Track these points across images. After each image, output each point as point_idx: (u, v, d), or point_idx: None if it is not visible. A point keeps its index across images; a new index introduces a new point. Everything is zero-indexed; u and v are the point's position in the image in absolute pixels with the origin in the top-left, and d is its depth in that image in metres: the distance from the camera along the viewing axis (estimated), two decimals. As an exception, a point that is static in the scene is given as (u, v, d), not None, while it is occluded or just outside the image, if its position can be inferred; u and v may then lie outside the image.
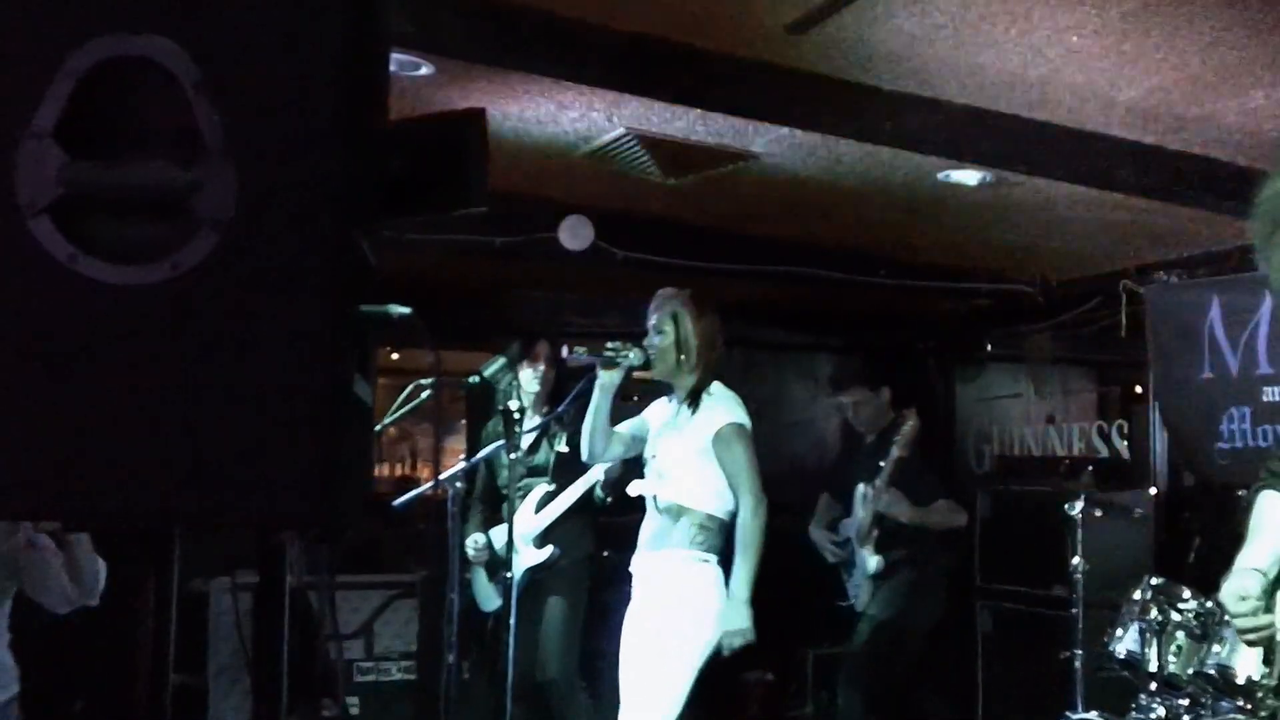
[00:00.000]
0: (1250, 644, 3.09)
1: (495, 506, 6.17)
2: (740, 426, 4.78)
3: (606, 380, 4.90)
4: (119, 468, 2.12)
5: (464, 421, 9.81)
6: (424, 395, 5.01)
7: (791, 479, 8.53)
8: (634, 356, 4.86)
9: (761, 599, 4.73)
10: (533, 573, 5.99)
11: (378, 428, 5.29)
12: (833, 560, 6.50)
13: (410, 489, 6.78)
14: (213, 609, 6.73)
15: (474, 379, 4.89)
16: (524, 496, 6.05)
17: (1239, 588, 3.03)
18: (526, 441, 6.03)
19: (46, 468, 2.12)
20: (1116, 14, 4.33)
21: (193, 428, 2.12)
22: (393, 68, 4.76)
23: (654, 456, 4.89)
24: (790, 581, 7.52)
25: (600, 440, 4.98)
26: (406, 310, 2.76)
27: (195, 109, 2.16)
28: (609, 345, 4.90)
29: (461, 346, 8.20)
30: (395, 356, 9.94)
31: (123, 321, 2.14)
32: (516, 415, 4.76)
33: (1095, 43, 4.57)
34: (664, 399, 5.04)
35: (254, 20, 2.20)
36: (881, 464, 6.13)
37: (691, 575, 4.69)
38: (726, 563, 4.77)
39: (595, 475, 5.55)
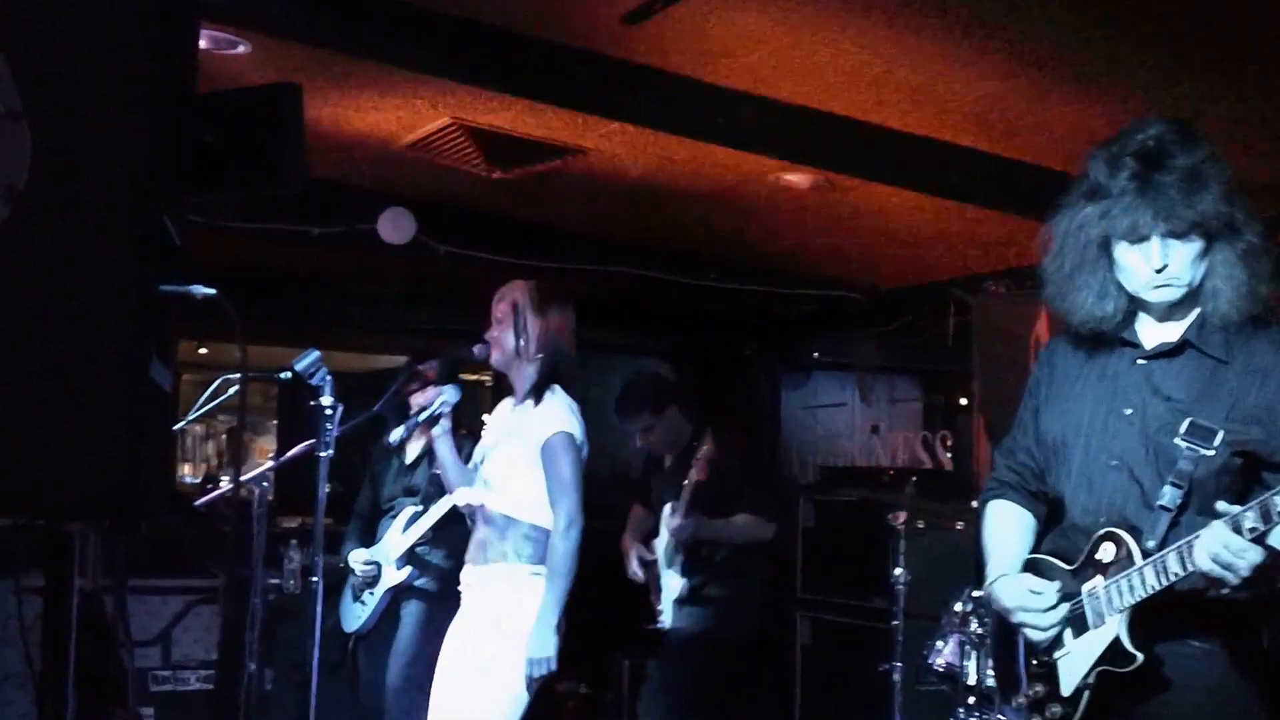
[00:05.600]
0: (1030, 643, 3.04)
1: (374, 522, 6.06)
2: (569, 436, 4.46)
3: (439, 431, 4.76)
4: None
5: (274, 420, 9.54)
6: (231, 391, 4.73)
7: (615, 482, 8.40)
8: (448, 395, 4.75)
9: (576, 607, 4.52)
10: (394, 593, 5.82)
11: (182, 423, 5.02)
12: (635, 578, 6.31)
13: (215, 490, 6.48)
14: (-3, 612, 6.36)
15: (286, 374, 4.61)
16: (395, 515, 5.90)
17: (1030, 584, 3.00)
18: (411, 455, 5.99)
19: None
20: (956, 16, 4.28)
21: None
22: (207, 44, 4.55)
23: (481, 462, 4.64)
24: (607, 589, 7.38)
25: (463, 482, 4.78)
26: (211, 291, 2.55)
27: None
28: (421, 409, 4.88)
29: (275, 341, 7.91)
30: (203, 351, 9.62)
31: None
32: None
33: (933, 45, 4.52)
34: (505, 401, 4.81)
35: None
36: (685, 483, 6.00)
37: (523, 590, 4.40)
38: None
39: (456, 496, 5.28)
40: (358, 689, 6.00)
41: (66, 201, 2.06)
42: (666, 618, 6.08)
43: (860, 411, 8.38)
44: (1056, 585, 2.96)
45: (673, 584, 6.02)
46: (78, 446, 2.01)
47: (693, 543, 5.97)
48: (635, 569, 6.23)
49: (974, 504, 6.60)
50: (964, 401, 7.56)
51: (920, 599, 5.95)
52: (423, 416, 4.83)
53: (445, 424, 4.76)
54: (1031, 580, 3.01)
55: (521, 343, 4.54)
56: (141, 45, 2.20)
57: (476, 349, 4.64)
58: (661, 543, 6.12)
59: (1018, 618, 3.02)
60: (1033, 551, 3.16)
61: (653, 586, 6.21)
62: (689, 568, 6.00)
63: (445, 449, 4.77)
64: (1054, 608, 2.94)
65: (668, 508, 6.01)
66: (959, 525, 6.33)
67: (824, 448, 8.59)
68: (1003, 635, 3.20)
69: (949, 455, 7.77)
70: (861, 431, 8.35)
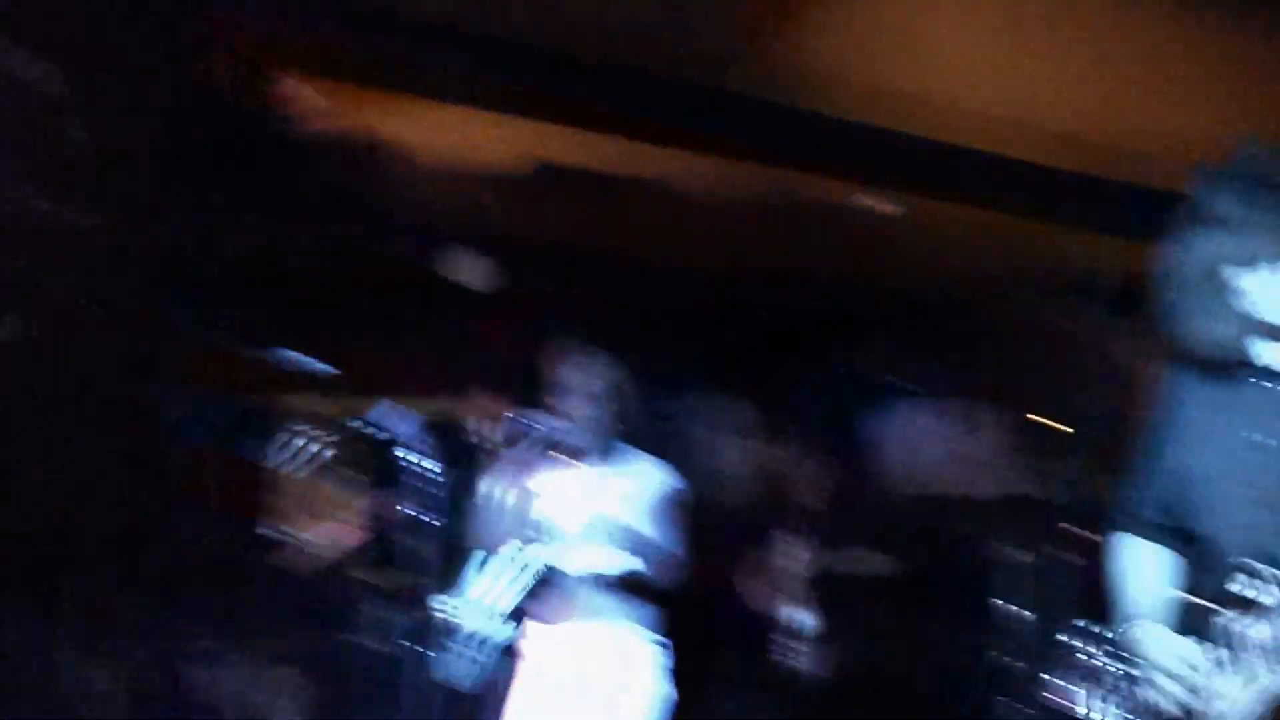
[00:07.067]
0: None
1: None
2: (672, 487, 4.42)
3: (529, 457, 4.39)
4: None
5: (360, 473, 9.42)
6: (315, 443, 4.63)
7: (696, 520, 8.25)
8: (559, 430, 4.35)
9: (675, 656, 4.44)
10: (502, 649, 5.60)
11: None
12: (760, 607, 6.22)
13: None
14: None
15: (363, 424, 4.52)
16: (491, 557, 5.63)
17: (1183, 650, 2.83)
18: None
19: None
20: (1040, 34, 4.27)
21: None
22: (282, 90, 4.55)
23: (567, 522, 4.46)
24: (701, 629, 7.24)
25: (499, 527, 4.51)
26: (332, 370, 2.52)
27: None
28: (528, 419, 4.37)
29: (343, 386, 7.88)
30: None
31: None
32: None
33: (1017, 63, 4.49)
34: (569, 464, 4.57)
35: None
36: (801, 508, 5.90)
37: (639, 656, 4.32)
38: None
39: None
40: None
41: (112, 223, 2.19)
42: (797, 654, 5.96)
43: (944, 436, 8.21)
44: (1209, 654, 2.80)
45: (804, 622, 5.89)
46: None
47: (817, 575, 5.85)
48: (762, 600, 6.13)
49: (1067, 527, 6.54)
50: (1060, 426, 7.39)
51: (1023, 631, 5.79)
52: (537, 427, 4.36)
53: (536, 450, 4.39)
54: (1185, 646, 2.84)
55: (607, 416, 4.38)
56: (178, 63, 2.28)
57: (555, 428, 4.38)
58: (786, 573, 5.98)
59: (1166, 676, 2.88)
60: (1169, 591, 3.01)
61: (778, 619, 6.12)
62: (816, 601, 5.87)
63: (514, 470, 4.42)
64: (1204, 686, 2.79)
65: (789, 537, 5.91)
66: (1060, 554, 6.17)
67: (909, 475, 8.41)
68: (1129, 674, 3.07)
69: (1046, 481, 7.55)
70: (953, 458, 8.16)
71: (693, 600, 4.51)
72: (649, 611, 4.34)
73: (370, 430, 4.61)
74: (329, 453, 7.65)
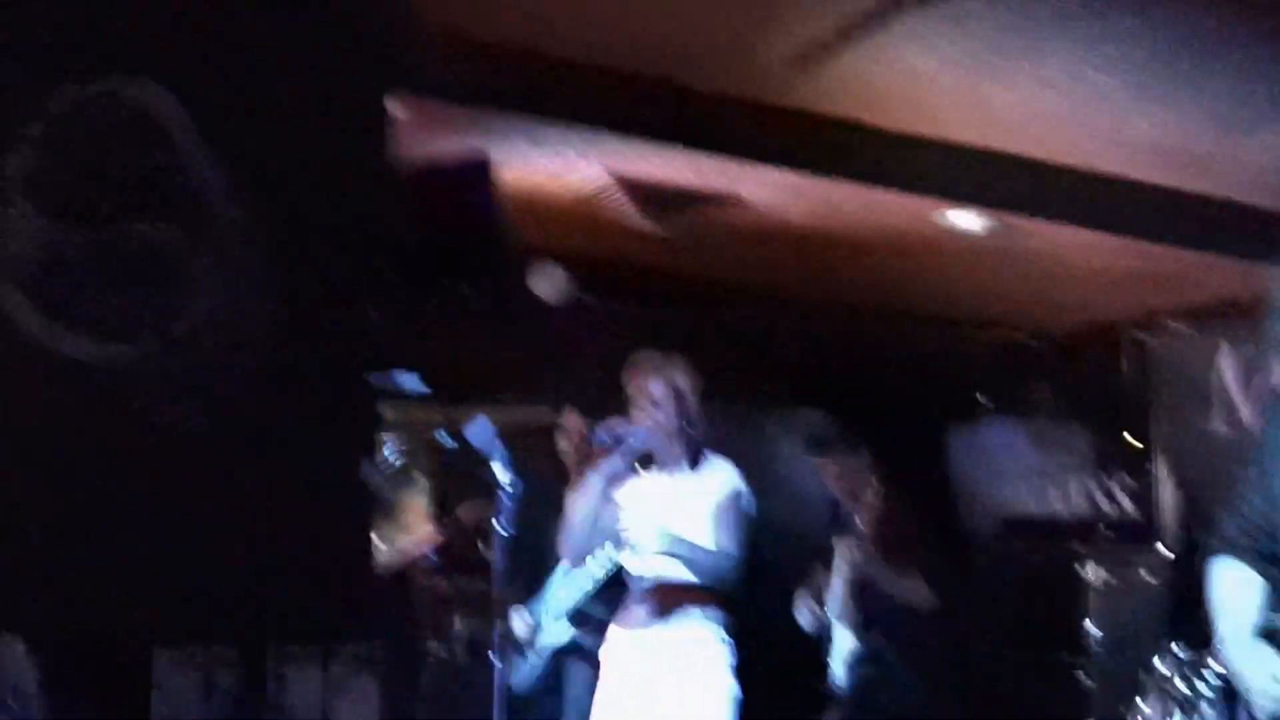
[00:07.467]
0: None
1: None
2: (745, 494, 4.48)
3: (613, 464, 4.47)
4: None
5: (429, 479, 9.45)
6: (391, 454, 4.68)
7: (772, 541, 8.11)
8: (641, 434, 4.45)
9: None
10: (559, 654, 5.58)
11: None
12: (811, 628, 6.06)
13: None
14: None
15: (443, 434, 4.54)
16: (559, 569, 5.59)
17: (1275, 668, 2.84)
18: None
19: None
20: (1141, 48, 4.10)
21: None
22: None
23: (645, 527, 4.50)
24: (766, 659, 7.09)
25: (589, 539, 4.59)
26: (425, 390, 2.54)
27: (189, 163, 2.10)
28: (618, 430, 4.47)
29: (422, 400, 7.85)
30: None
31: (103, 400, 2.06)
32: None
33: (1115, 78, 4.33)
34: (644, 473, 4.63)
35: (252, 66, 2.15)
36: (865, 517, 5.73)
37: (713, 656, 4.37)
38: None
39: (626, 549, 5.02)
40: None
41: (267, 300, 2.19)
42: (839, 678, 5.83)
43: (1032, 457, 8.05)
44: None
45: (844, 642, 5.77)
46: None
47: (865, 594, 5.71)
48: (807, 617, 6.02)
49: (1159, 548, 6.39)
50: (1145, 445, 7.24)
51: (1111, 655, 5.68)
52: (622, 439, 4.46)
53: (620, 462, 4.49)
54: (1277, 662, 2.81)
55: (685, 423, 4.40)
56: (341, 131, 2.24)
57: (638, 439, 4.43)
58: (835, 592, 5.84)
59: (1258, 698, 2.80)
60: (1267, 618, 2.96)
61: (825, 642, 5.99)
62: (867, 624, 5.74)
63: (600, 483, 4.51)
64: None
65: (843, 546, 5.75)
66: (1149, 577, 6.04)
67: (997, 496, 8.25)
68: (1230, 700, 3.00)
69: (1132, 501, 7.36)
70: (1034, 478, 8.00)
71: (752, 608, 4.57)
72: (720, 612, 4.40)
73: (450, 441, 4.61)
74: (409, 461, 7.70)
